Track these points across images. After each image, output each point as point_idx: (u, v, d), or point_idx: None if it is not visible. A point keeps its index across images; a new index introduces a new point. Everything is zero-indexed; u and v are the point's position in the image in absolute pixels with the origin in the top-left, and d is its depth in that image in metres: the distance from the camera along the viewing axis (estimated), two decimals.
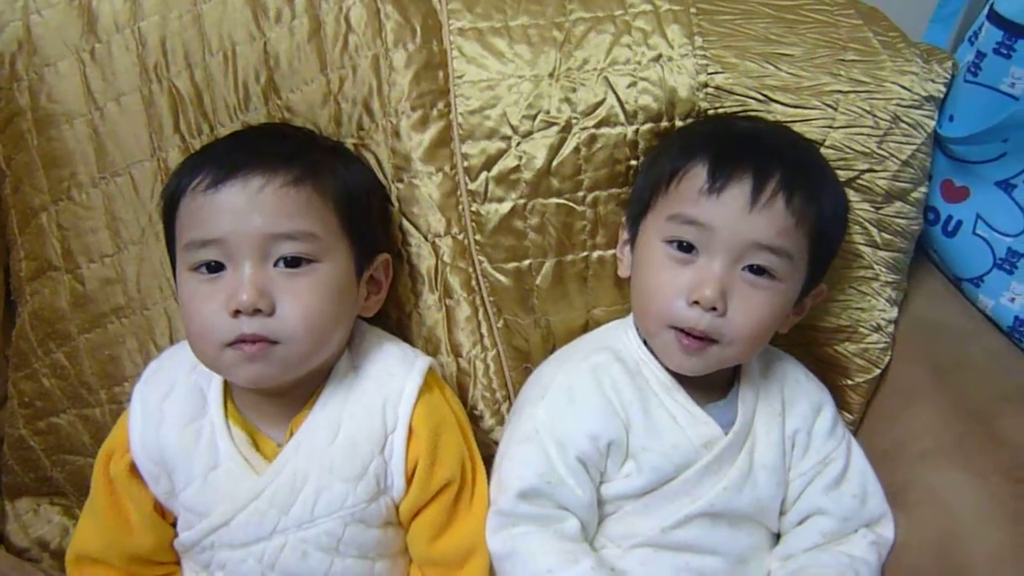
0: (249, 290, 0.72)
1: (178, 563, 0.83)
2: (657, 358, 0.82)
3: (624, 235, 0.88)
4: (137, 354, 0.92)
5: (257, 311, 0.72)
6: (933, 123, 0.91)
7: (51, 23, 0.88)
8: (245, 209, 0.74)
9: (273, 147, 0.79)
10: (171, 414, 0.79)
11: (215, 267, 0.74)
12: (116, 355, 0.92)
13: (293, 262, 0.75)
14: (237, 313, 0.72)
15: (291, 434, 0.78)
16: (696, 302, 0.76)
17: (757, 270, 0.76)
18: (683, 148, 0.82)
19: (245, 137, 0.85)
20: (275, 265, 0.74)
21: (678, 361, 0.79)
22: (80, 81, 0.88)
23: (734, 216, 0.76)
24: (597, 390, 0.80)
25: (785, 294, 0.78)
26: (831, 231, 0.82)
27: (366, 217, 0.83)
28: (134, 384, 0.82)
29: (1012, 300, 0.93)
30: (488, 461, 0.85)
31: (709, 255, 0.77)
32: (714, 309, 0.75)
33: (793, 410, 0.84)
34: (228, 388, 0.81)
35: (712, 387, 0.83)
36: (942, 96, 0.91)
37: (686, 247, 0.78)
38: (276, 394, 0.79)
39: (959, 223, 0.96)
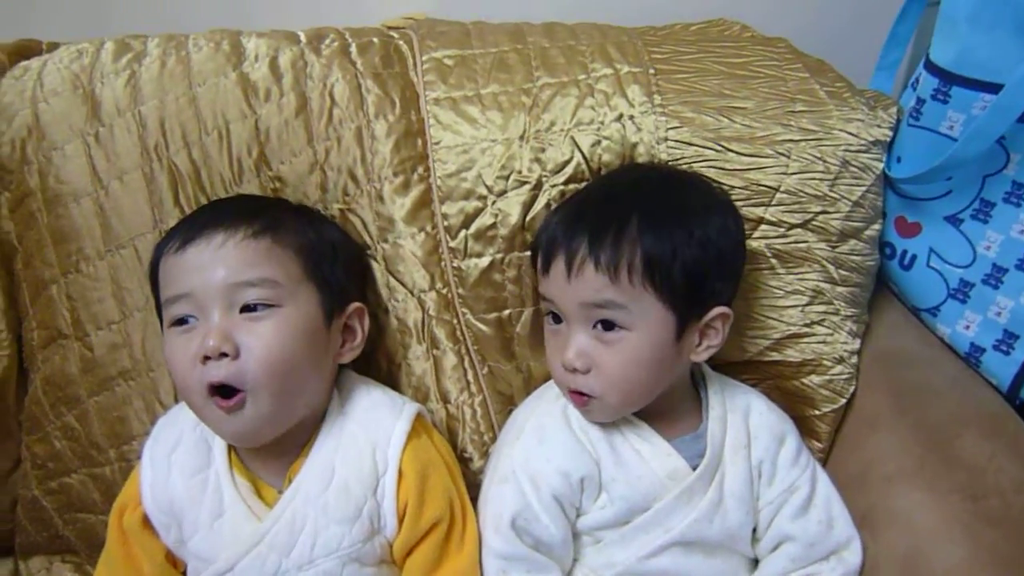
0: (215, 335, 0.76)
1: None
2: None
3: None
4: (144, 413, 0.94)
5: (223, 355, 0.75)
6: (881, 165, 0.94)
7: (57, 110, 0.92)
8: (209, 263, 0.78)
9: (236, 209, 0.84)
10: (179, 466, 0.82)
11: (188, 320, 0.78)
12: (124, 416, 0.94)
13: (255, 307, 0.78)
14: (206, 359, 0.76)
15: (290, 481, 0.81)
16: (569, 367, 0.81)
17: (604, 325, 0.80)
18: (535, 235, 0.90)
19: (214, 204, 0.91)
20: (241, 312, 0.78)
21: (585, 416, 0.85)
22: (86, 162, 0.92)
23: (561, 287, 0.81)
24: (566, 429, 0.85)
25: (645, 339, 0.80)
26: (680, 267, 0.79)
27: (331, 266, 0.86)
28: (143, 441, 0.86)
29: (967, 328, 0.96)
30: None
31: (568, 322, 0.82)
32: (576, 370, 0.81)
33: (758, 441, 0.87)
34: None
35: (678, 422, 0.86)
36: (889, 139, 0.95)
37: (555, 318, 0.84)
38: (273, 443, 0.82)
39: (914, 257, 0.99)
